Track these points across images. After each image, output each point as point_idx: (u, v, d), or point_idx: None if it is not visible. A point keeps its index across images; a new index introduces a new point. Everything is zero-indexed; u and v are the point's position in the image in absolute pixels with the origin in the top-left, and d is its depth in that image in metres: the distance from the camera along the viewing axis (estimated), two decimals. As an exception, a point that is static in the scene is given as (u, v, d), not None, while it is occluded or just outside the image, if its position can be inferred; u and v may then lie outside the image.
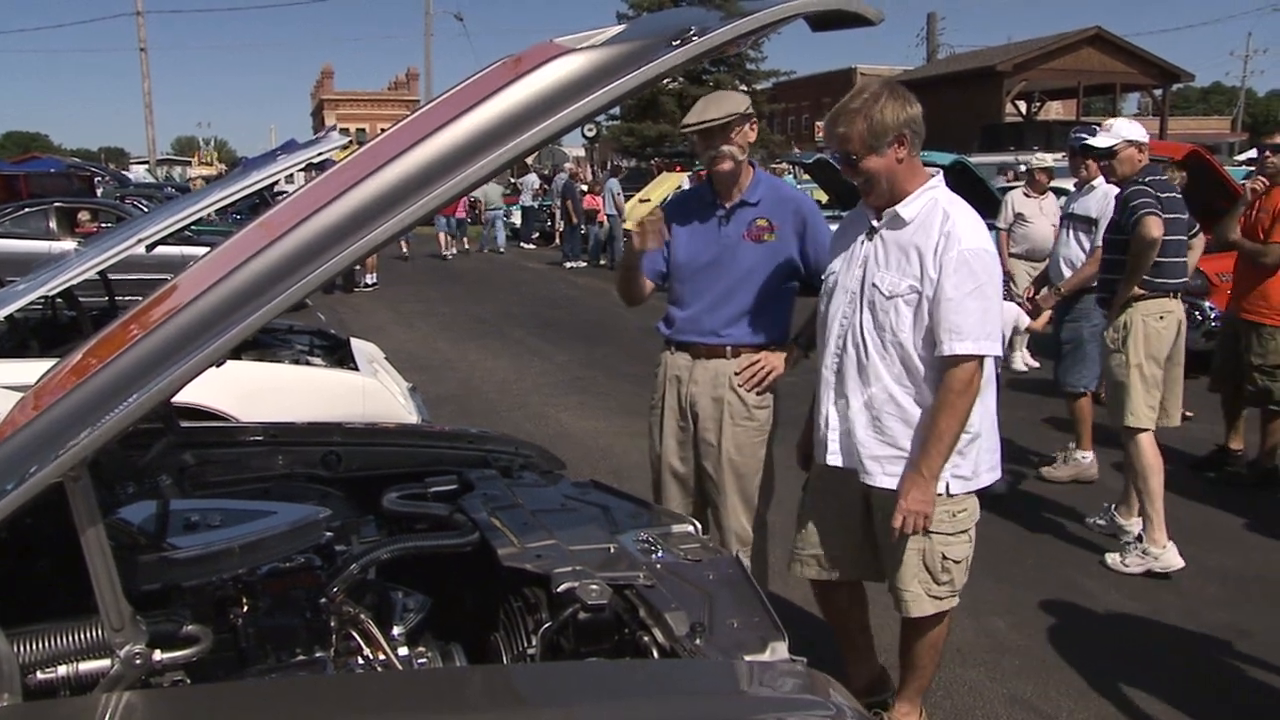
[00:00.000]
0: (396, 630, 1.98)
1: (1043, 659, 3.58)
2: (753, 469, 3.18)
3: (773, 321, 3.17)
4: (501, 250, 21.33)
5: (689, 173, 14.19)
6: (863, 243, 2.65)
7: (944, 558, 2.66)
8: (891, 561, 2.71)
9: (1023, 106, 31.56)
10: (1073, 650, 3.64)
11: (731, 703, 1.64)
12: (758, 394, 3.15)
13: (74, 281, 3.86)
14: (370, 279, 15.85)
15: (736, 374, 3.13)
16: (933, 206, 2.55)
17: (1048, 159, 8.15)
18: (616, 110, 39.50)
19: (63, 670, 1.49)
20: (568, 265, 18.45)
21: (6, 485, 1.41)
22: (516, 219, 26.18)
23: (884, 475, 2.62)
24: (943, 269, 2.46)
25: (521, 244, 23.51)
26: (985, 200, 11.56)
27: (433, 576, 2.21)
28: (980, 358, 2.49)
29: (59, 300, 4.43)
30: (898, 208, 2.57)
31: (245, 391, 4.07)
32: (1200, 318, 7.60)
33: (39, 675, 1.48)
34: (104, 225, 13.58)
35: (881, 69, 43.29)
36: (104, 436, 1.41)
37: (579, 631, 1.87)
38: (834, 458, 2.72)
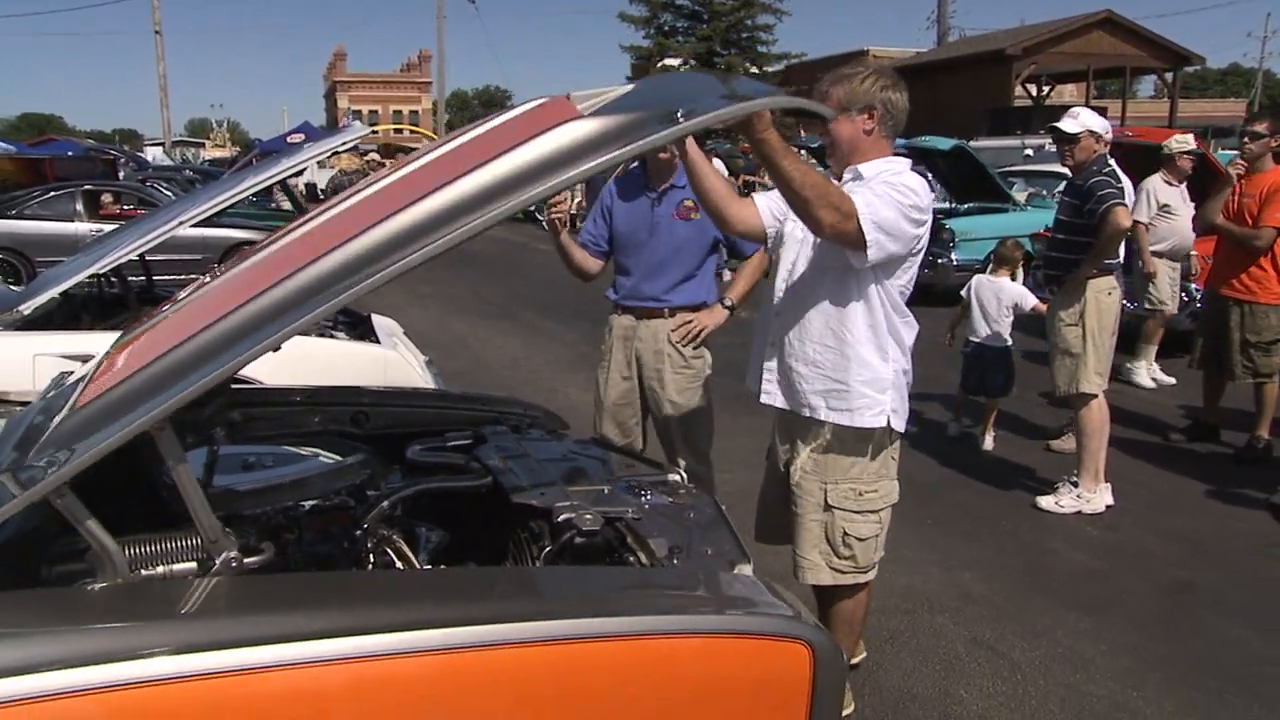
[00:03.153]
0: (420, 557, 2.33)
1: (1004, 607, 3.92)
2: (693, 410, 3.78)
3: (701, 285, 3.78)
4: None
5: (715, 158, 14.43)
6: None
7: (845, 534, 2.78)
8: (796, 528, 2.86)
9: (1033, 90, 31.59)
10: (1032, 600, 3.98)
11: (700, 600, 1.97)
12: (693, 348, 3.72)
13: (121, 260, 4.22)
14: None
15: (674, 331, 3.71)
16: (890, 168, 2.69)
17: (1189, 141, 7.39)
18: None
19: (160, 569, 1.85)
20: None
21: (104, 431, 1.74)
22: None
23: (827, 409, 2.74)
24: (871, 185, 2.59)
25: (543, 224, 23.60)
26: (985, 186, 11.86)
27: (451, 515, 2.55)
28: (858, 217, 2.47)
29: (107, 278, 4.77)
30: (859, 165, 2.72)
31: (275, 361, 4.39)
32: (1186, 299, 7.89)
33: (142, 572, 1.83)
34: (126, 208, 13.98)
35: (893, 51, 43.27)
36: (185, 399, 1.69)
37: (575, 554, 2.22)
38: (767, 397, 2.87)
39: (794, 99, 2.03)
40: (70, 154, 19.30)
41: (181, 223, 4.40)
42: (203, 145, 55.09)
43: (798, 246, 2.83)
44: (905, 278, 2.74)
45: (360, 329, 5.31)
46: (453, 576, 2.12)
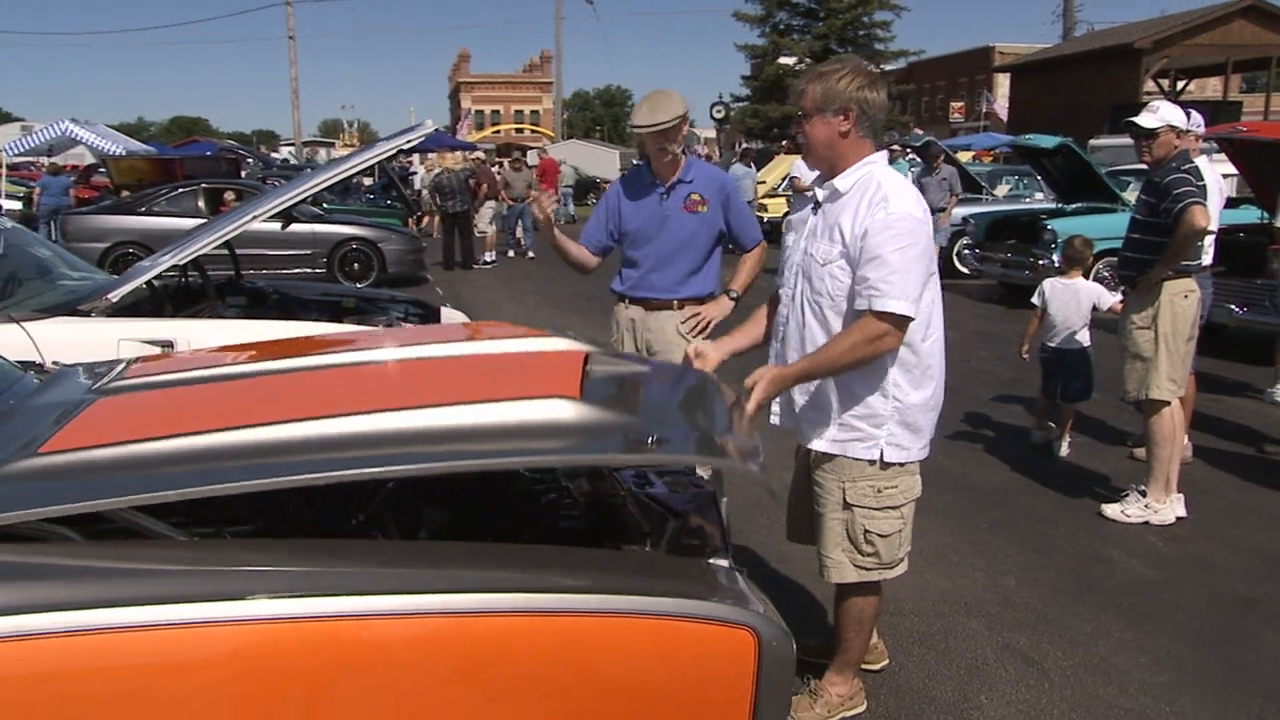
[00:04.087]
0: None
1: (1044, 614, 3.82)
2: None
3: (707, 277, 3.89)
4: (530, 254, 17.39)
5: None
6: (808, 218, 2.79)
7: (866, 531, 2.75)
8: (818, 527, 2.84)
9: (1165, 85, 30.15)
10: (1076, 608, 3.87)
11: (651, 584, 2.01)
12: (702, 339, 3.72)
13: (198, 254, 4.50)
14: (489, 256, 16.62)
15: (682, 323, 3.79)
16: (868, 179, 2.63)
17: None
18: (745, 90, 39.61)
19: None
20: None
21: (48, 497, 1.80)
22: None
23: (818, 439, 2.76)
24: (868, 231, 2.53)
25: None
26: (1093, 185, 11.42)
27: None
28: (896, 317, 2.52)
29: (190, 269, 5.06)
30: (835, 180, 2.68)
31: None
32: None
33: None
34: (248, 204, 14.72)
35: (1018, 47, 42.01)
36: (147, 501, 1.79)
37: (554, 530, 2.31)
38: (774, 418, 2.88)
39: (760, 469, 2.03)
40: (198, 154, 20.38)
41: (254, 217, 4.65)
42: (333, 145, 57.25)
43: (795, 275, 2.81)
44: (922, 299, 2.65)
45: (429, 320, 5.51)
46: (400, 547, 2.18)
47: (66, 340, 4.37)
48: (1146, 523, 4.70)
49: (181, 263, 4.60)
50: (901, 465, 2.77)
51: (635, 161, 24.36)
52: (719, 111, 34.73)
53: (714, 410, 2.35)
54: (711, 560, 2.19)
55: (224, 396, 2.38)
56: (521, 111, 73.49)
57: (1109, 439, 6.13)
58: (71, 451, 1.95)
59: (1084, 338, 5.77)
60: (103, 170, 18.03)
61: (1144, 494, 4.79)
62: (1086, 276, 5.92)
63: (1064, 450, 5.86)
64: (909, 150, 14.81)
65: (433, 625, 1.75)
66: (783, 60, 36.82)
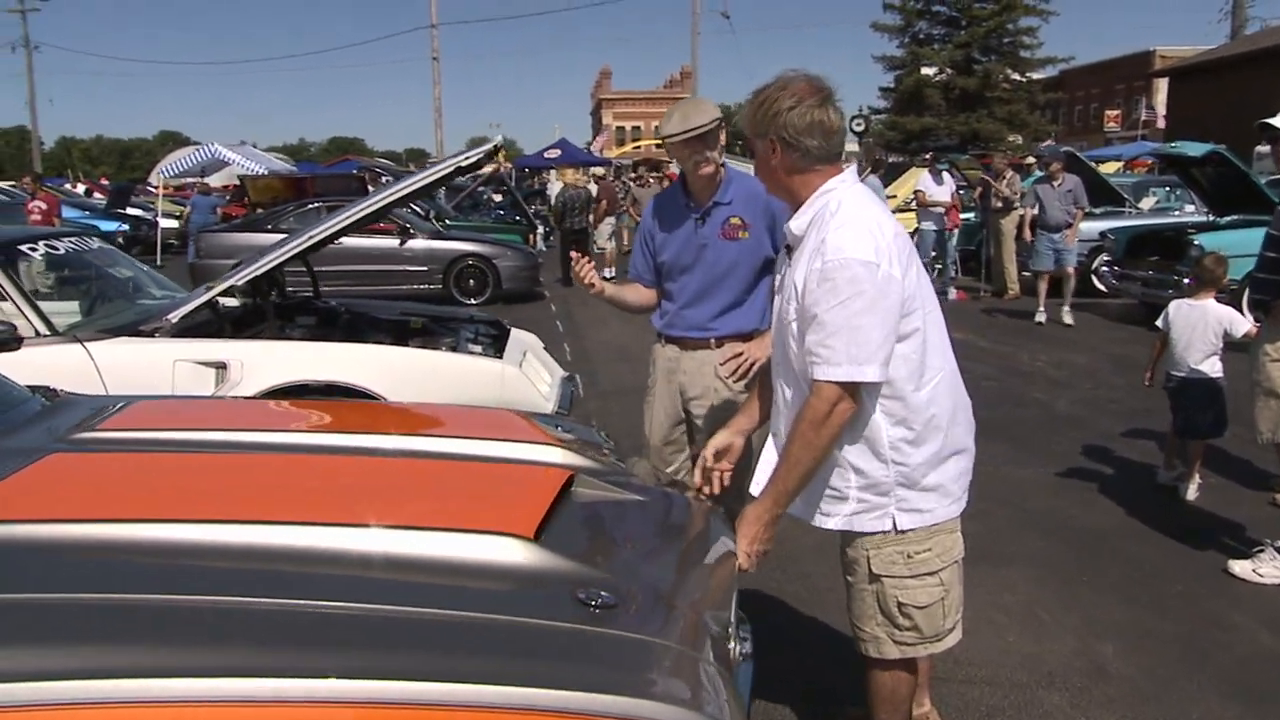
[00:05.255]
0: None
1: (1143, 690, 3.33)
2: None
3: (751, 311, 3.37)
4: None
5: (942, 167, 13.67)
6: (785, 266, 2.45)
7: (900, 604, 2.38)
8: (850, 597, 2.50)
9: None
10: (1184, 685, 3.35)
11: (589, 673, 1.71)
12: (743, 385, 3.30)
13: (253, 275, 4.46)
14: (608, 273, 16.55)
15: (721, 365, 3.31)
16: (820, 216, 2.28)
17: None
18: (882, 102, 38.63)
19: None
20: None
21: None
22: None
23: (824, 518, 2.42)
24: (806, 284, 2.21)
25: None
26: (1250, 196, 10.44)
27: None
28: (845, 385, 2.17)
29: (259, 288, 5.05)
30: (790, 224, 2.36)
31: (394, 375, 4.51)
32: None
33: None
34: (377, 222, 15.08)
35: (1182, 50, 39.59)
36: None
37: None
38: (756, 487, 2.47)
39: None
40: (331, 173, 21.12)
41: (312, 238, 4.59)
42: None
43: (780, 335, 2.43)
44: (904, 345, 2.26)
45: (500, 342, 5.36)
46: (296, 616, 1.86)
47: (125, 360, 4.39)
48: (1285, 583, 4.10)
49: (239, 284, 4.58)
50: (929, 528, 2.40)
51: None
52: (859, 124, 33.97)
53: (691, 566, 2.13)
54: (664, 640, 1.87)
55: (163, 474, 2.28)
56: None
57: (1248, 482, 5.46)
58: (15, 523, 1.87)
59: (1212, 367, 5.14)
60: (252, 189, 18.88)
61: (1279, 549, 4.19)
62: (1227, 299, 5.28)
63: (1191, 493, 5.23)
64: (1039, 160, 13.96)
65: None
66: (924, 71, 35.79)
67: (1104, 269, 11.98)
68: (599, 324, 11.87)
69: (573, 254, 3.48)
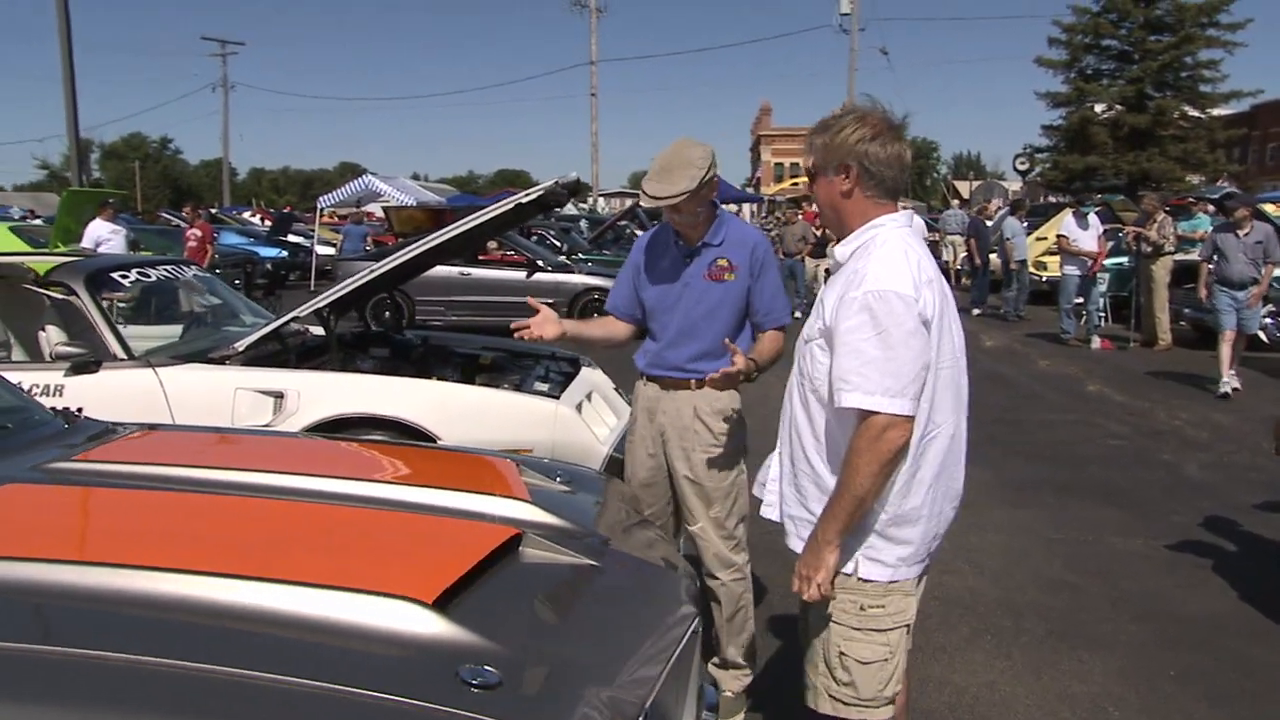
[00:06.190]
0: None
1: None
2: (720, 493, 3.30)
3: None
4: None
5: (1087, 209, 12.90)
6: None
7: (841, 654, 2.28)
8: (804, 642, 2.40)
9: None
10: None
11: None
12: (725, 423, 3.25)
13: (314, 309, 4.53)
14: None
15: (712, 378, 3.05)
16: (866, 247, 2.26)
17: None
18: (1045, 140, 37.01)
19: None
20: (974, 313, 15.72)
21: None
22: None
23: (795, 537, 2.36)
24: (840, 311, 2.17)
25: None
26: None
27: None
28: (886, 415, 2.10)
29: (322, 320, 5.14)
30: (836, 249, 2.34)
31: (446, 411, 4.47)
32: None
33: None
34: (507, 254, 15.40)
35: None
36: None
37: None
38: (766, 509, 2.50)
39: None
40: (467, 203, 21.74)
41: (371, 273, 4.63)
42: (637, 196, 59.76)
43: (799, 350, 2.40)
44: None
45: (568, 379, 5.27)
46: (133, 670, 1.66)
47: (191, 386, 4.52)
48: None
49: (302, 315, 4.66)
50: (886, 584, 2.25)
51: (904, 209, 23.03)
52: (1023, 163, 32.68)
53: (622, 645, 1.99)
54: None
55: (84, 511, 2.29)
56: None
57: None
58: None
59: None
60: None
61: None
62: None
63: (1326, 580, 4.63)
64: (1209, 205, 13.00)
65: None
66: (1096, 108, 34.13)
67: (1269, 320, 10.98)
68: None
69: (529, 301, 3.41)
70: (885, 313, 2.10)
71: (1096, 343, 12.24)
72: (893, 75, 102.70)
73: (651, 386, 3.38)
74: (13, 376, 4.14)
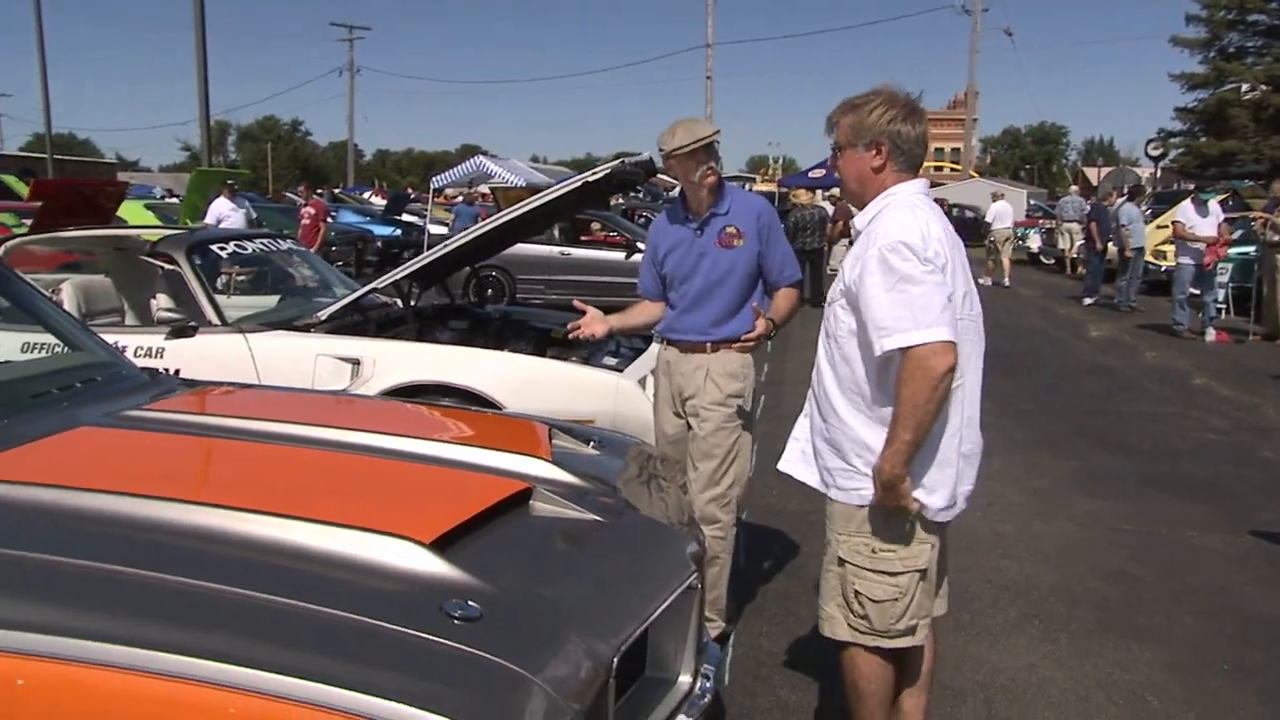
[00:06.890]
0: None
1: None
2: (720, 452, 3.51)
3: (746, 317, 3.52)
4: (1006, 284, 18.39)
5: (1207, 196, 12.29)
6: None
7: (856, 592, 2.52)
8: (821, 577, 2.65)
9: None
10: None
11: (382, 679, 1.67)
12: (739, 385, 3.51)
13: (392, 281, 4.78)
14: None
15: (744, 337, 3.48)
16: (883, 212, 2.47)
17: None
18: (1178, 124, 35.22)
19: None
20: (1086, 302, 15.50)
21: None
22: (1034, 241, 24.76)
23: (835, 488, 2.56)
24: (864, 269, 2.38)
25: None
26: None
27: None
28: (925, 345, 2.28)
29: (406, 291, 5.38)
30: (855, 220, 2.58)
31: (511, 382, 4.66)
32: None
33: None
34: (610, 235, 15.64)
35: None
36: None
37: None
38: (784, 464, 2.72)
39: None
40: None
41: (447, 247, 4.84)
42: (754, 179, 59.47)
43: (825, 313, 2.62)
44: None
45: (637, 354, 5.39)
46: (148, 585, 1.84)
47: (276, 351, 4.82)
48: None
49: (380, 287, 4.91)
50: (903, 526, 2.47)
51: (995, 196, 22.23)
52: (1156, 147, 31.22)
53: (611, 597, 2.09)
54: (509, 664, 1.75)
55: (162, 453, 2.51)
56: (942, 149, 71.76)
57: None
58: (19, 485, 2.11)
59: None
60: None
61: None
62: None
63: None
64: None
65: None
66: (1240, 87, 32.29)
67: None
68: (810, 346, 11.62)
69: (575, 303, 3.69)
70: (899, 260, 2.31)
71: (1212, 335, 11.73)
72: (1016, 57, 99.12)
73: (671, 350, 3.65)
74: (121, 339, 4.53)
